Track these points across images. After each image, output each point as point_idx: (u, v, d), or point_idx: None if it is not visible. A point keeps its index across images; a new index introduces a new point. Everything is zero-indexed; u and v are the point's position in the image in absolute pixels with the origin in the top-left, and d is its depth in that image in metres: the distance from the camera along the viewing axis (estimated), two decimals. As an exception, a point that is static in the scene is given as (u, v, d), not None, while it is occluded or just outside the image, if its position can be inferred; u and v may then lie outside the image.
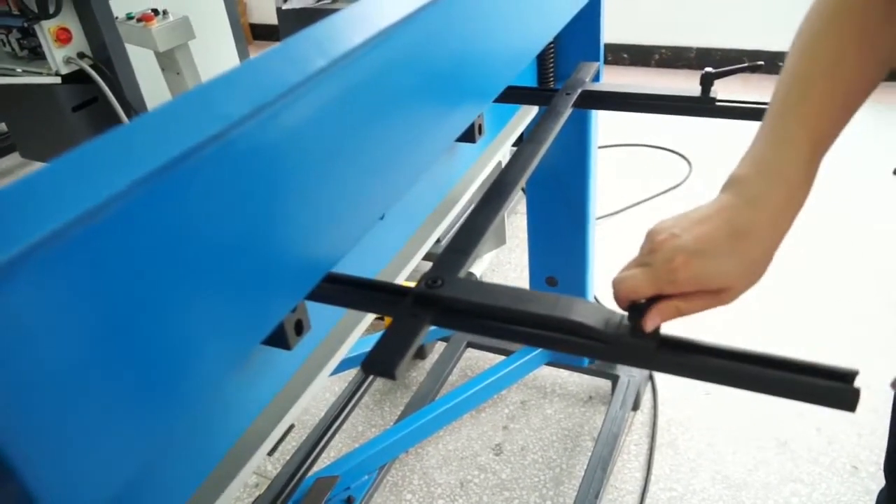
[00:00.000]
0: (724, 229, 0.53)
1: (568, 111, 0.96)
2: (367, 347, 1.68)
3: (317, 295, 0.62)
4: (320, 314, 0.70)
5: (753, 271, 0.53)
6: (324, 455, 1.59)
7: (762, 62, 0.93)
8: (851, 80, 0.55)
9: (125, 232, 0.38)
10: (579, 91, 1.01)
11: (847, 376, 0.47)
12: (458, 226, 1.27)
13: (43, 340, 0.34)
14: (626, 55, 3.79)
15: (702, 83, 0.95)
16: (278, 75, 0.51)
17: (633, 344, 0.52)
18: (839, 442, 1.61)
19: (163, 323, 0.42)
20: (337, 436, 1.73)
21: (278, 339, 0.64)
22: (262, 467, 1.70)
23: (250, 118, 0.46)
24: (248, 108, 0.46)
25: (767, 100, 0.86)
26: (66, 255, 0.35)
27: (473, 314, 0.58)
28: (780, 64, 0.58)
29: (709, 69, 0.95)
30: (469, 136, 0.96)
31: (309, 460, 1.29)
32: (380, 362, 0.52)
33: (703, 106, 0.96)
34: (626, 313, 0.53)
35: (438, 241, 2.16)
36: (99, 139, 0.43)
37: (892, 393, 0.87)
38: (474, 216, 0.75)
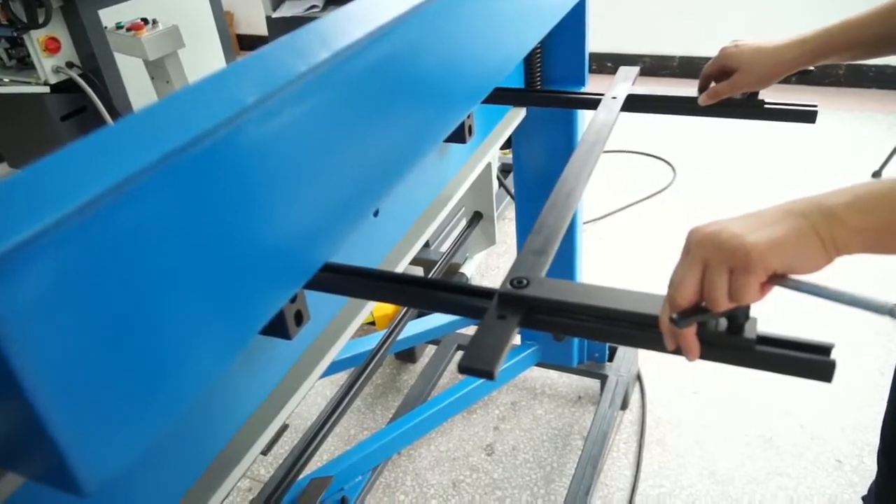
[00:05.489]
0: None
1: (617, 114, 0.99)
2: (357, 350, 1.69)
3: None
4: (317, 307, 0.72)
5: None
6: (316, 458, 1.60)
7: (812, 68, 0.91)
8: None
9: (132, 220, 0.39)
10: (626, 95, 1.04)
11: (824, 350, 0.50)
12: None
13: (53, 323, 0.35)
14: (610, 64, 3.85)
15: None
16: (272, 72, 0.53)
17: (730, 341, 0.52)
18: (823, 437, 1.65)
19: (167, 310, 0.43)
20: (329, 439, 1.75)
21: (279, 328, 0.66)
22: (255, 471, 1.70)
23: (246, 113, 0.48)
24: (245, 102, 0.48)
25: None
26: (79, 236, 0.36)
27: (564, 314, 0.57)
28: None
29: None
30: (460, 136, 0.99)
31: (302, 460, 1.29)
32: (478, 363, 0.52)
33: (751, 108, 0.97)
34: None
35: (427, 244, 2.19)
36: (113, 129, 0.44)
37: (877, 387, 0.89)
38: (544, 219, 0.75)
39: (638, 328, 0.55)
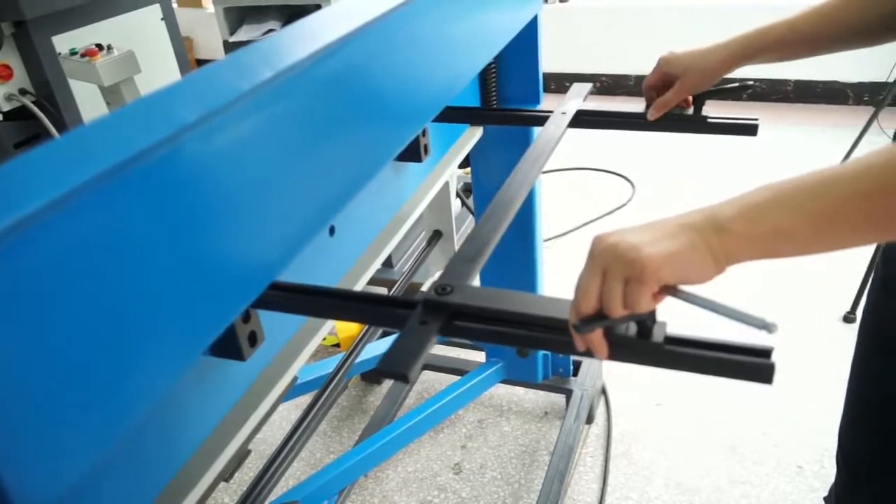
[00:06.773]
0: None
1: (564, 129, 1.01)
2: (321, 372, 1.67)
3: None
4: (273, 328, 0.71)
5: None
6: (281, 483, 1.57)
7: (752, 82, 0.96)
8: None
9: (63, 236, 0.39)
10: (575, 111, 1.06)
11: (764, 353, 0.51)
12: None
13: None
14: (568, 83, 3.93)
15: (694, 102, 0.99)
16: (218, 88, 0.53)
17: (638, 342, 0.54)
18: (784, 444, 1.67)
19: (102, 327, 0.42)
20: (295, 463, 1.72)
21: (232, 349, 0.65)
22: (219, 499, 1.67)
23: (187, 131, 0.47)
24: (186, 121, 0.48)
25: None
26: (10, 252, 0.35)
27: (484, 320, 0.58)
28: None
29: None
30: (415, 155, 0.99)
31: (262, 484, 1.27)
32: (394, 366, 0.53)
33: (695, 123, 0.99)
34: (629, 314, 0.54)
35: (391, 265, 2.18)
36: (49, 147, 0.44)
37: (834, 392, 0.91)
38: (480, 228, 0.76)
39: (552, 332, 0.56)
